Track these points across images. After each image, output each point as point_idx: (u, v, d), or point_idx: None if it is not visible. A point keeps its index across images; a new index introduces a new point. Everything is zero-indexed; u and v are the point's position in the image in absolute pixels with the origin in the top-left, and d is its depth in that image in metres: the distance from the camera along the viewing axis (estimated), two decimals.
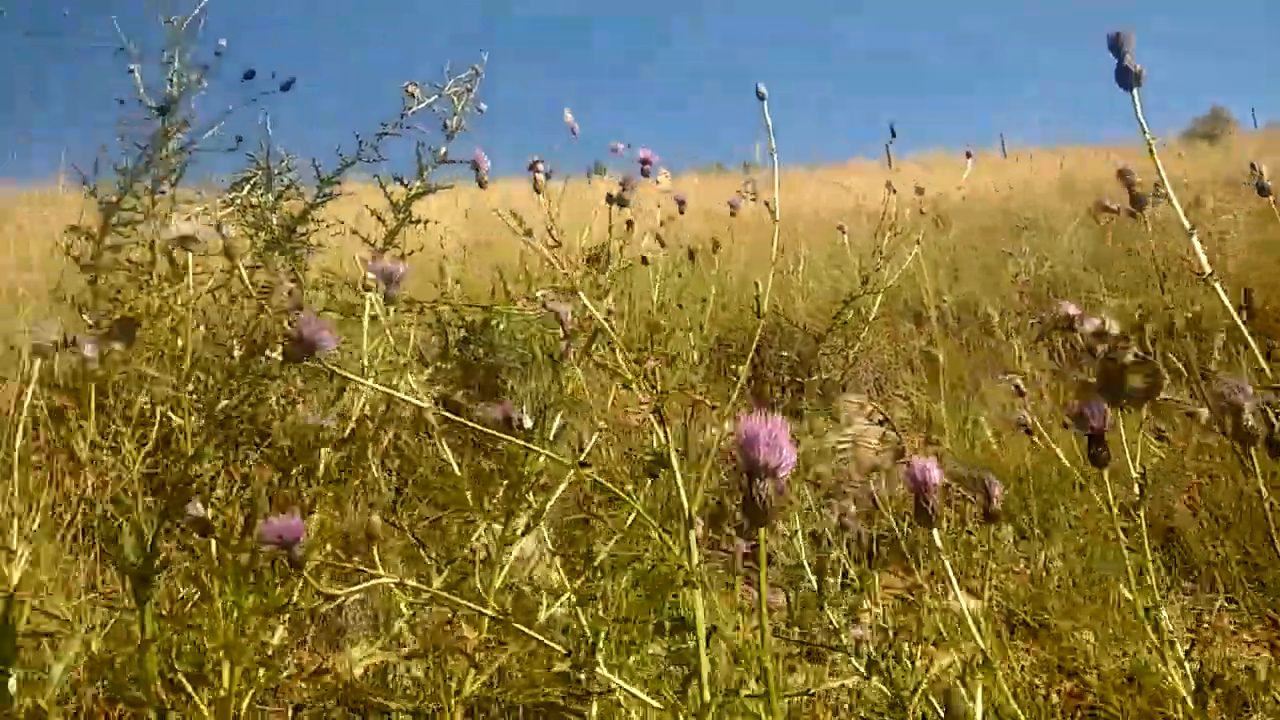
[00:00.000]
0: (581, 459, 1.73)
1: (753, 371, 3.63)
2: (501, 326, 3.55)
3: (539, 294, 1.66)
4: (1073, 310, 1.82)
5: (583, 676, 1.42)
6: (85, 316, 2.87)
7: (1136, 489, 1.59)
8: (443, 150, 3.33)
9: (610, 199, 1.79)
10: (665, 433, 1.23)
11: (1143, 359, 1.20)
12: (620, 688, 1.13)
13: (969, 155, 3.26)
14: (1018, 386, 2.12)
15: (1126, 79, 1.14)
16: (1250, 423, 1.07)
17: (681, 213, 2.44)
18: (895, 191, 3.22)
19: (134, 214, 3.10)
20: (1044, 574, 2.61)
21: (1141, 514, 1.57)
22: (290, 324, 1.00)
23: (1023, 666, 2.31)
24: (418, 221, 3.22)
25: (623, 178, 1.63)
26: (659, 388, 1.23)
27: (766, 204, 1.75)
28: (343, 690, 1.66)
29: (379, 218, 3.31)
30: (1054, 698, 2.18)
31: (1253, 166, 1.71)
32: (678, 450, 1.23)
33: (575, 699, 1.59)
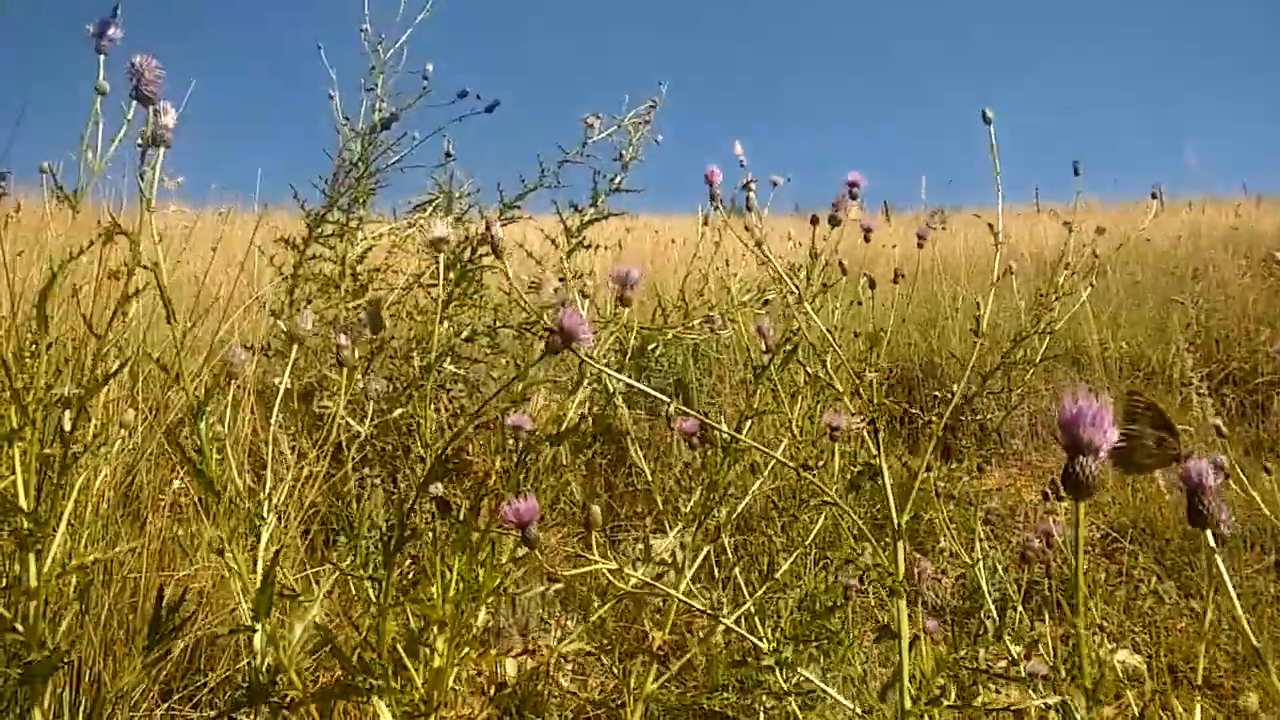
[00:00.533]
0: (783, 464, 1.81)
1: (904, 410, 3.63)
2: (659, 351, 3.67)
3: (740, 301, 1.75)
4: None
5: (768, 679, 1.50)
6: (280, 321, 3.14)
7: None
8: (618, 179, 3.50)
9: (816, 220, 1.88)
10: (878, 442, 1.30)
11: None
12: (820, 689, 1.20)
13: (1155, 196, 3.17)
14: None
15: None
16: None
17: (867, 240, 2.50)
18: (1072, 230, 3.18)
19: (333, 227, 3.38)
20: (1210, 630, 2.54)
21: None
22: (552, 317, 1.12)
23: None
24: (590, 246, 3.39)
25: (835, 199, 1.72)
26: (874, 399, 1.30)
27: (994, 234, 1.80)
28: (537, 679, 1.76)
29: (553, 241, 3.49)
30: None
31: None
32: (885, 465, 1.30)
33: (745, 708, 1.67)
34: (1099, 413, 0.74)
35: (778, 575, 1.66)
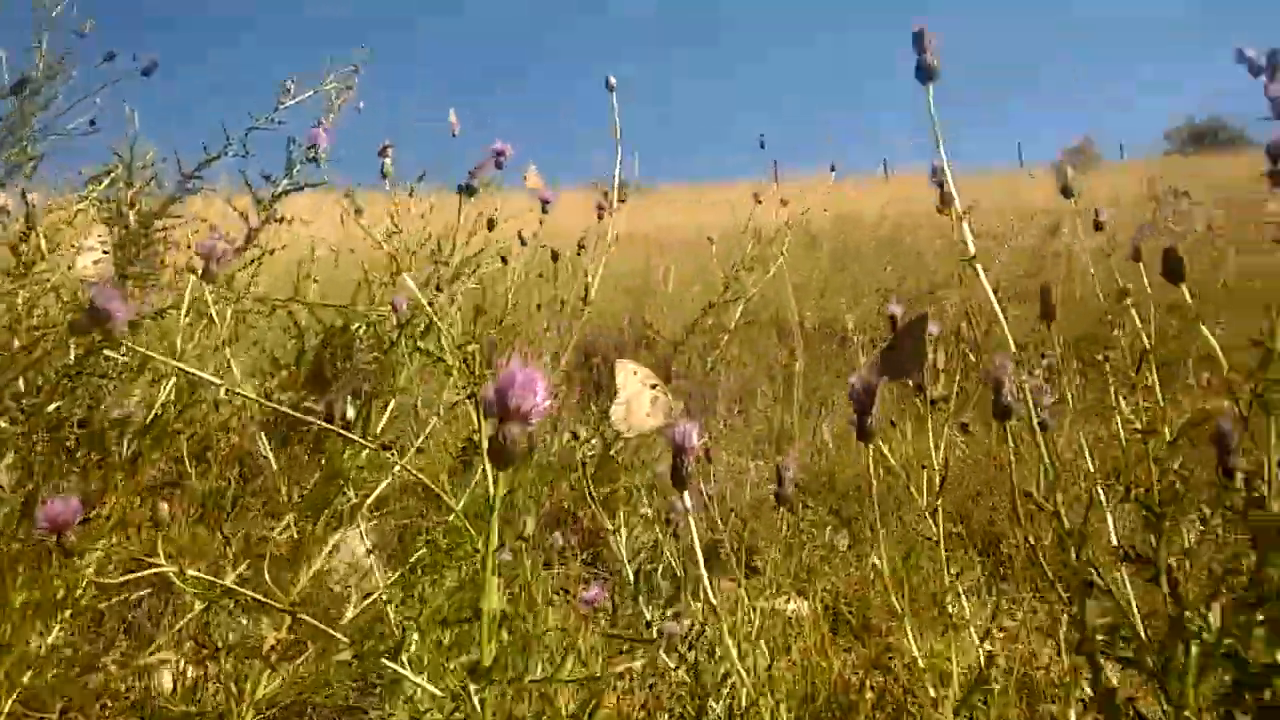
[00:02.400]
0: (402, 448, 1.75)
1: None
2: (362, 330, 3.53)
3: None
4: (897, 310, 1.95)
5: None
6: None
7: (936, 480, 1.71)
8: (316, 147, 3.30)
9: (461, 189, 1.81)
10: (480, 418, 1.26)
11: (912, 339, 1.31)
12: (405, 677, 1.16)
13: (833, 169, 3.38)
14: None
15: (923, 75, 1.22)
16: (1007, 398, 1.16)
17: (545, 212, 2.49)
18: (760, 201, 3.33)
19: None
20: (872, 577, 2.73)
21: (939, 506, 1.68)
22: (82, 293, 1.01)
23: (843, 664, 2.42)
24: (283, 220, 3.19)
25: (476, 165, 1.66)
26: (478, 373, 1.26)
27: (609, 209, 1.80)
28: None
29: (244, 216, 3.26)
30: (867, 691, 2.29)
31: (1098, 213, 1.87)
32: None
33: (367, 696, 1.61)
34: (530, 379, 0.73)
35: (411, 560, 1.62)
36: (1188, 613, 0.80)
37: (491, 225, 2.20)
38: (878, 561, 2.80)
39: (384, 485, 1.73)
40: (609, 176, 2.50)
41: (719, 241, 3.84)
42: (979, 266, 1.25)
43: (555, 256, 2.54)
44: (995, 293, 1.29)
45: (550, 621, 1.73)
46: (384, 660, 1.23)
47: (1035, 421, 1.13)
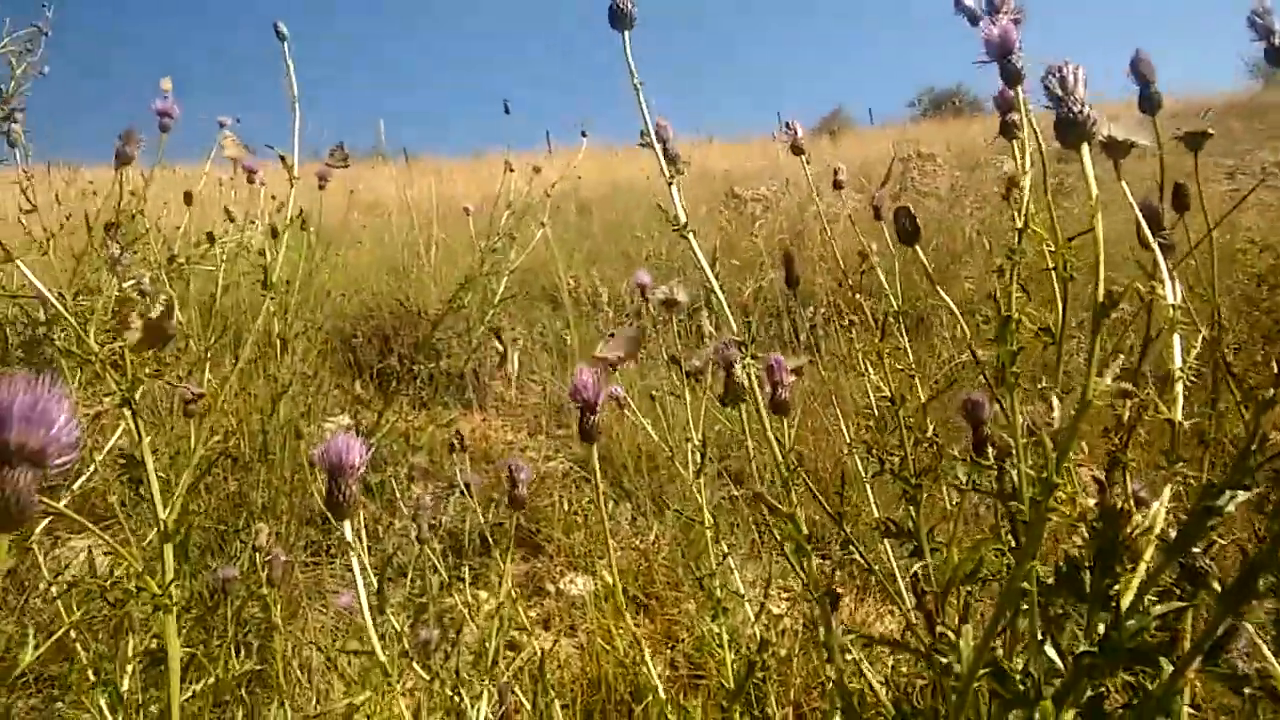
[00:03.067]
0: None
1: (381, 362, 3.47)
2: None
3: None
4: (645, 279, 1.88)
5: None
6: None
7: (696, 455, 1.67)
8: None
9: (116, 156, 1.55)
10: (137, 426, 1.06)
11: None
12: None
13: (584, 134, 3.30)
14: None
15: (615, 22, 1.13)
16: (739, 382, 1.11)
17: (252, 182, 2.25)
18: (513, 170, 3.19)
19: None
20: (654, 549, 2.70)
21: (702, 481, 1.64)
22: None
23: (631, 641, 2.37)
24: None
25: (125, 130, 1.42)
26: (130, 375, 1.05)
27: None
28: None
29: None
30: (658, 666, 2.25)
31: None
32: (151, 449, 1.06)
33: None
34: (36, 405, 0.54)
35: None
36: (939, 645, 0.76)
37: (189, 199, 1.95)
38: (662, 534, 2.80)
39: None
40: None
41: (481, 212, 3.67)
42: (691, 237, 1.19)
43: (275, 233, 2.29)
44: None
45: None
46: None
47: (764, 405, 1.08)
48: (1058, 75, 0.60)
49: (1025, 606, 0.69)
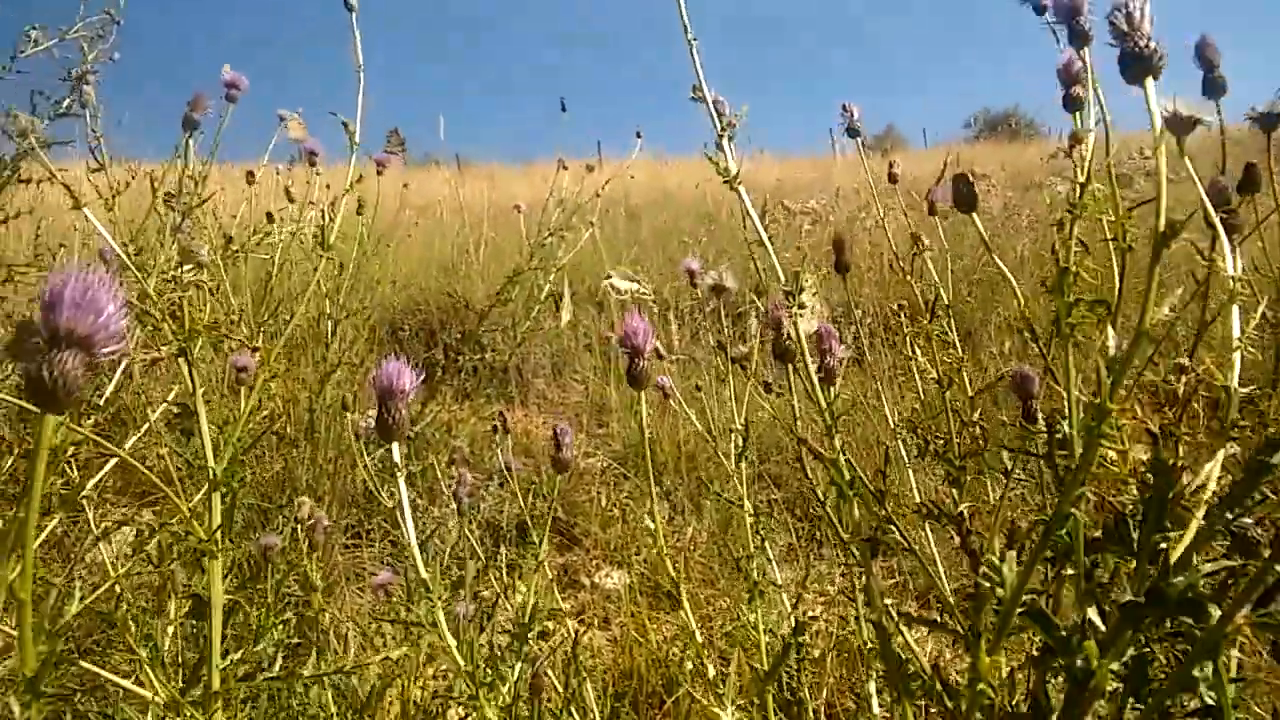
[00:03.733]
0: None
1: (427, 354, 3.51)
2: None
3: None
4: (694, 265, 1.88)
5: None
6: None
7: (740, 441, 1.66)
8: (66, 102, 2.95)
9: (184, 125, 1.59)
10: (191, 375, 1.09)
11: None
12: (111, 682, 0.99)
13: (639, 135, 3.33)
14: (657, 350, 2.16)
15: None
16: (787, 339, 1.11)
17: (313, 165, 2.28)
18: (566, 168, 3.22)
19: None
20: (690, 547, 2.70)
21: (743, 467, 1.63)
22: None
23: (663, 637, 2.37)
24: (28, 181, 2.83)
25: (194, 97, 1.46)
26: (188, 325, 1.08)
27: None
28: None
29: None
30: (687, 664, 2.25)
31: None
32: (206, 400, 1.09)
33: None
34: (87, 291, 0.55)
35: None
36: (983, 569, 0.75)
37: (250, 178, 1.99)
38: (699, 531, 2.79)
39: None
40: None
41: (532, 213, 3.71)
42: (741, 189, 1.20)
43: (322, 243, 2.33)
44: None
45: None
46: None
47: (811, 363, 1.07)
48: (1124, 10, 0.60)
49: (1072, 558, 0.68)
